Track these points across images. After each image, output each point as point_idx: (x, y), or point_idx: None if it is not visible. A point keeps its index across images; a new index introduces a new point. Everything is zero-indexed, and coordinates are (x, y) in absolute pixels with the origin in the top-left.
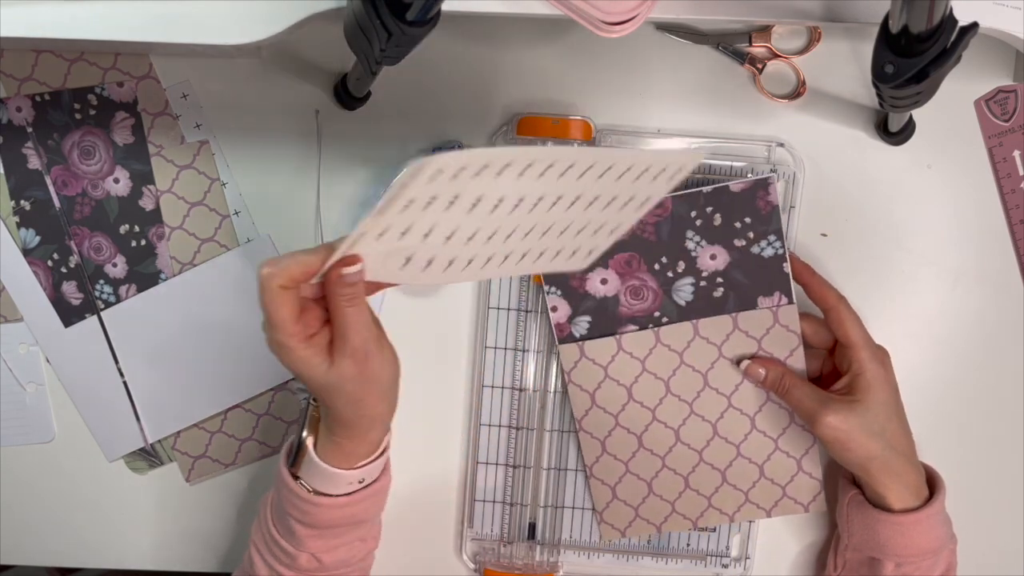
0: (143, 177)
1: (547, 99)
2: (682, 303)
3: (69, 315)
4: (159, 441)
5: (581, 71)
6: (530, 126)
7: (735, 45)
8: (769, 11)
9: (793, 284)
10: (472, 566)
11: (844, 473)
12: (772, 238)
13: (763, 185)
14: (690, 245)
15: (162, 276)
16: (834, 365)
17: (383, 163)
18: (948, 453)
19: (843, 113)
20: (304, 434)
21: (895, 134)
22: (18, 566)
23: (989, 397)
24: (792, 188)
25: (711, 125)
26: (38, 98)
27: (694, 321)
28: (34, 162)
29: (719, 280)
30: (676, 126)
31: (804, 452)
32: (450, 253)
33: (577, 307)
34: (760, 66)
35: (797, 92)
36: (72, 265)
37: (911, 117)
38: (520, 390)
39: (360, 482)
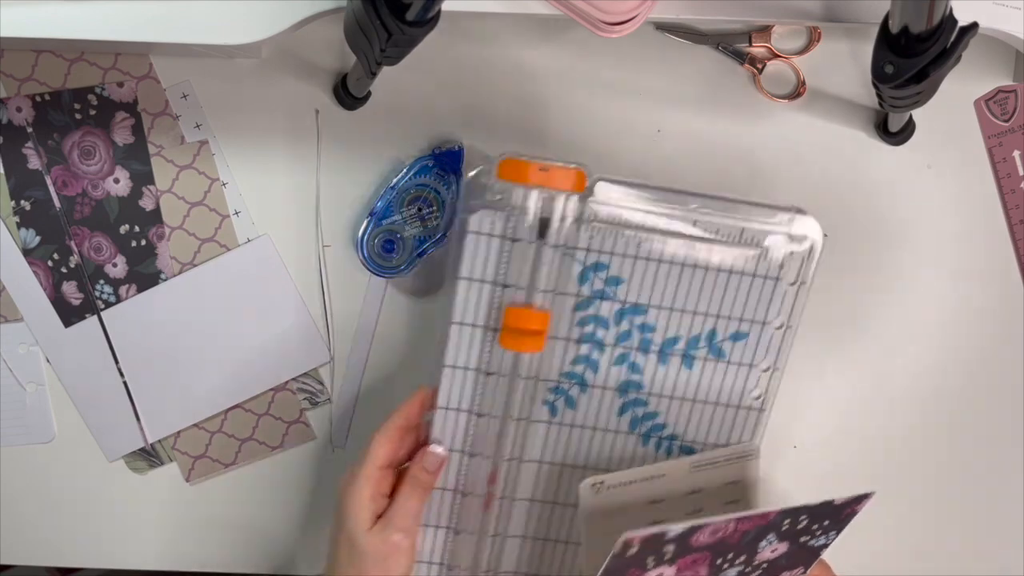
0: (143, 177)
1: (547, 99)
2: None
3: (69, 315)
4: (159, 441)
5: (581, 71)
6: (513, 170)
7: (735, 45)
8: (769, 11)
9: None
10: None
11: None
12: (832, 534)
13: (861, 499)
14: (762, 545)
15: (162, 276)
16: None
17: (383, 163)
18: (948, 453)
19: (843, 113)
20: None
21: (895, 134)
22: (18, 566)
23: (989, 397)
24: (808, 262)
25: (711, 125)
26: (38, 98)
27: None
28: (34, 162)
29: (763, 566)
30: (676, 126)
31: None
32: None
33: None
34: (760, 66)
35: (797, 92)
36: (72, 265)
37: (911, 117)
38: (479, 415)
39: None
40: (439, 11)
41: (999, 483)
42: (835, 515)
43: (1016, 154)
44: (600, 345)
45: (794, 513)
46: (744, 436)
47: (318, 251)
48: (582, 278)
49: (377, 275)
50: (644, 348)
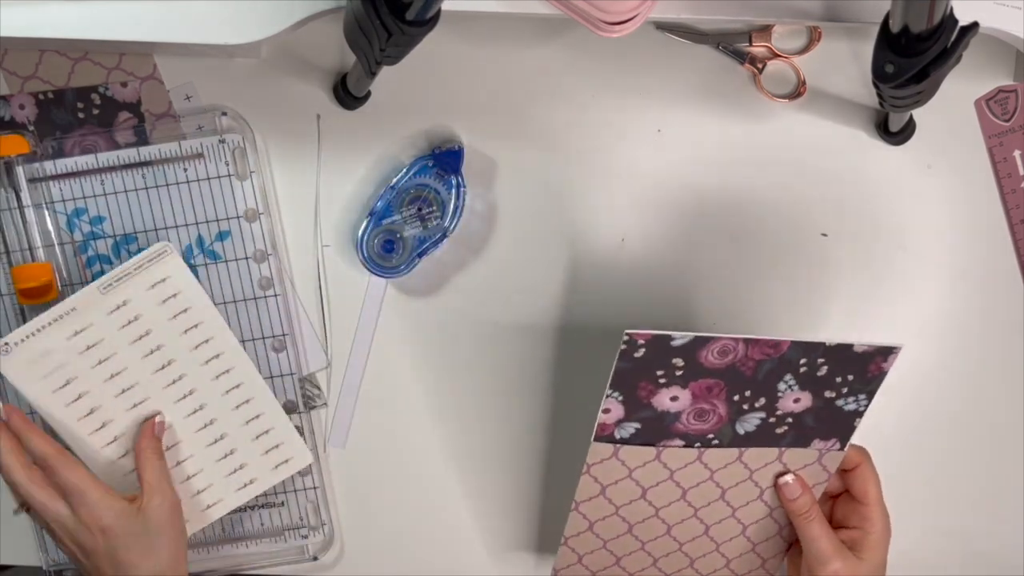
0: None
1: (547, 99)
2: (741, 432)
3: None
4: None
5: (581, 71)
6: None
7: (735, 45)
8: (769, 11)
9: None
10: None
11: None
12: (862, 397)
13: (885, 352)
14: (781, 387)
15: None
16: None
17: (383, 163)
18: (948, 452)
19: (843, 113)
20: None
21: (895, 134)
22: (18, 566)
23: (989, 396)
24: (245, 155)
25: (711, 125)
26: (41, 96)
27: (741, 448)
28: None
29: (789, 420)
30: (676, 126)
31: (773, 555)
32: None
33: (632, 414)
34: (760, 66)
35: (797, 92)
36: None
37: (911, 117)
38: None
39: None
40: (439, 11)
41: (999, 482)
42: (859, 369)
43: (1016, 154)
44: None
45: (809, 349)
46: (273, 322)
47: (317, 251)
48: (70, 225)
49: (377, 275)
50: None
